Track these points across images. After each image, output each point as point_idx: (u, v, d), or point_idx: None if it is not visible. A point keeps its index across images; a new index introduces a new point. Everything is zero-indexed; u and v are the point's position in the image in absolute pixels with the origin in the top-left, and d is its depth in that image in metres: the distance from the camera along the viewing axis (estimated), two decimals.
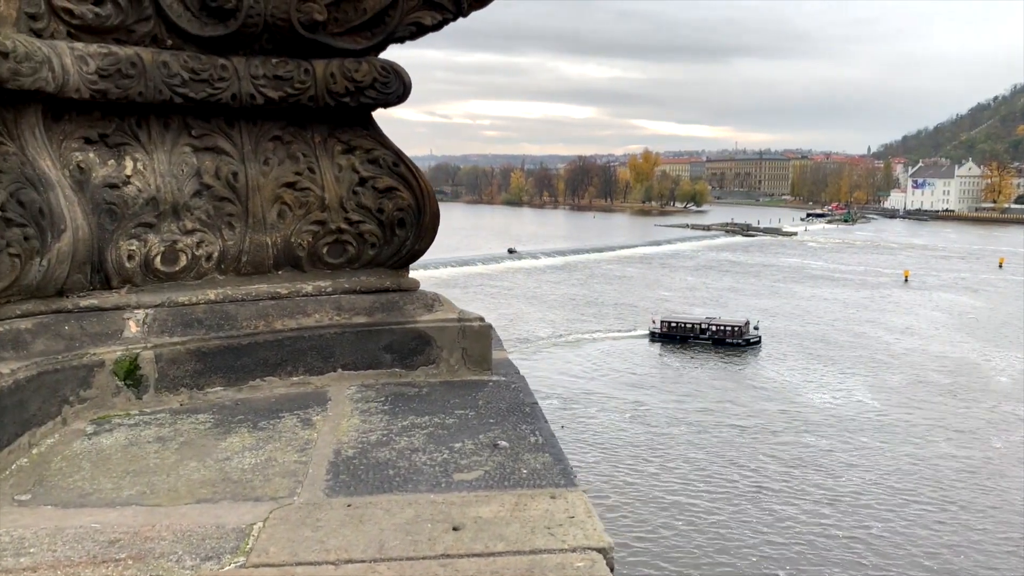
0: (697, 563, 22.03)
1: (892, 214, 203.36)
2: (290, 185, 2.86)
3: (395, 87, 2.86)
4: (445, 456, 2.08)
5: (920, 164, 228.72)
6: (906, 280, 79.62)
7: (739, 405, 37.00)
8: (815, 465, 29.41)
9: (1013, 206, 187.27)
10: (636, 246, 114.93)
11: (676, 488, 27.25)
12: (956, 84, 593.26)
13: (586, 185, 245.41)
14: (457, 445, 2.13)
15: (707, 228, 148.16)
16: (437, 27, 2.84)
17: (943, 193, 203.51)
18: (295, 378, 2.74)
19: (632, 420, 34.44)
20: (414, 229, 2.94)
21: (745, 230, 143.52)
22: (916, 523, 24.51)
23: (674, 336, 50.63)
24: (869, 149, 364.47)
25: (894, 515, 25.10)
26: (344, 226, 2.92)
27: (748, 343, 48.04)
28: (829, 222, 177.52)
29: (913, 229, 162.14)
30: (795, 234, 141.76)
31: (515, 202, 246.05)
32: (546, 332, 53.40)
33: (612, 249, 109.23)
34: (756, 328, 49.65)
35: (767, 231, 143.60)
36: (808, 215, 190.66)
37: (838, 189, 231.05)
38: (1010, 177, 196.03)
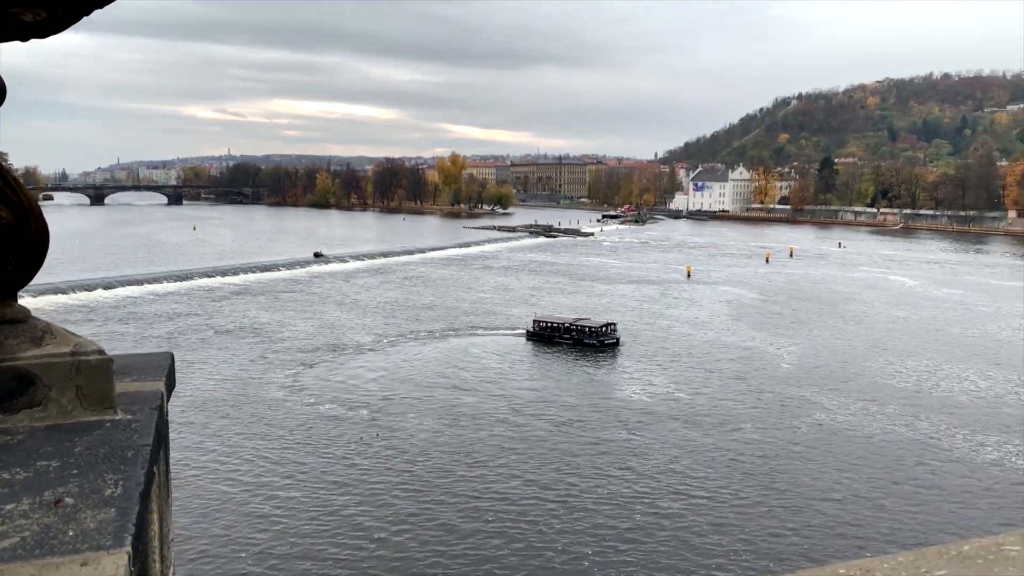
0: (505, 559, 22.89)
1: (677, 215, 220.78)
2: None
3: None
4: None
5: (700, 169, 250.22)
6: (689, 276, 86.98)
7: (557, 403, 38.65)
8: (630, 457, 31.33)
9: (777, 206, 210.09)
10: (447, 248, 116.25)
11: (483, 488, 28.04)
12: (730, 96, 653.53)
13: (395, 187, 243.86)
14: (9, 506, 1.80)
15: (513, 230, 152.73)
16: (44, 27, 2.32)
17: (719, 195, 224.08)
18: None
19: (451, 424, 34.98)
20: (16, 252, 2.50)
21: (548, 231, 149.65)
22: (728, 507, 26.92)
23: (543, 336, 52.05)
24: (656, 155, 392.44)
25: (709, 500, 27.37)
26: None
27: (603, 344, 50.13)
28: (622, 223, 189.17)
29: (695, 228, 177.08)
30: (592, 234, 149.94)
31: (321, 204, 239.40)
32: (364, 337, 52.77)
33: (423, 251, 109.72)
34: (614, 330, 51.92)
35: (567, 232, 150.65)
36: (603, 216, 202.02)
37: (630, 192, 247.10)
38: (774, 180, 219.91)
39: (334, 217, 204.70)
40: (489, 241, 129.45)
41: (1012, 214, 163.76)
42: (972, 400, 39.30)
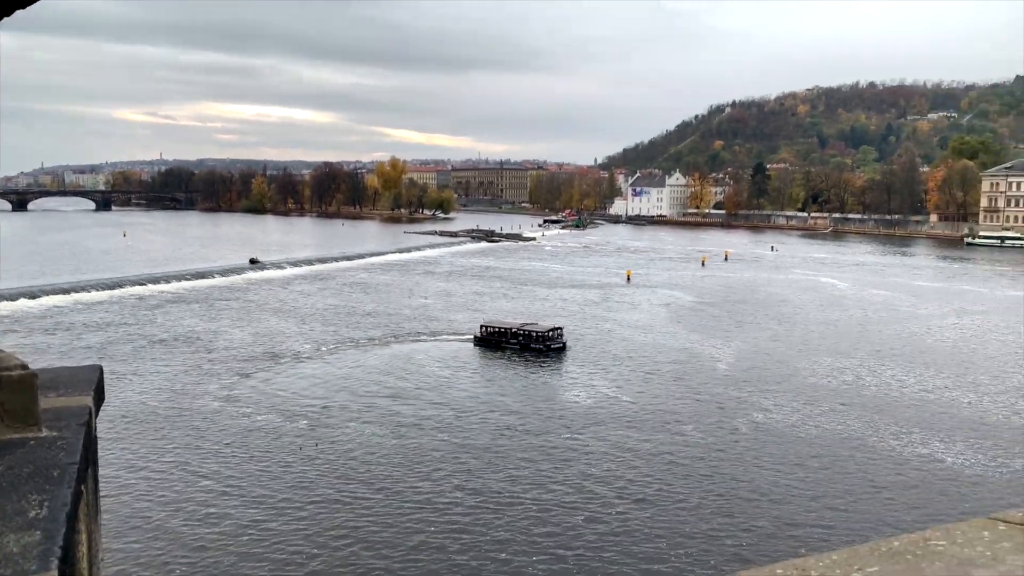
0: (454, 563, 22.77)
1: (617, 219, 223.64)
2: None
3: None
4: None
5: (638, 174, 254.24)
6: (629, 280, 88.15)
7: (502, 409, 38.60)
8: (573, 461, 31.46)
9: (712, 211, 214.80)
10: (387, 253, 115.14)
11: (426, 497, 27.82)
12: (666, 102, 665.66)
13: (333, 192, 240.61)
14: None
15: (455, 235, 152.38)
16: None
17: (657, 200, 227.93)
18: None
19: (393, 432, 34.58)
20: None
21: (490, 236, 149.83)
22: (670, 510, 27.24)
23: (490, 341, 51.69)
24: (596, 160, 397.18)
25: (651, 503, 27.66)
26: None
27: (550, 348, 50.02)
28: (564, 227, 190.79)
29: (634, 233, 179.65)
30: (534, 239, 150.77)
31: (257, 209, 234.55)
32: (303, 345, 51.82)
33: (363, 257, 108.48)
34: (561, 334, 51.80)
35: (509, 237, 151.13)
36: (545, 221, 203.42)
37: (570, 197, 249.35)
38: (709, 186, 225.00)
39: (270, 223, 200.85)
40: (430, 246, 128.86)
41: (933, 218, 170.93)
42: (900, 397, 40.77)
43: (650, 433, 34.29)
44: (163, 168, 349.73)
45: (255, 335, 54.92)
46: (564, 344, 50.91)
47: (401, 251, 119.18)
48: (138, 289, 73.96)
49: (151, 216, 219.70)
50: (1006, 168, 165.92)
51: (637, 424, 35.54)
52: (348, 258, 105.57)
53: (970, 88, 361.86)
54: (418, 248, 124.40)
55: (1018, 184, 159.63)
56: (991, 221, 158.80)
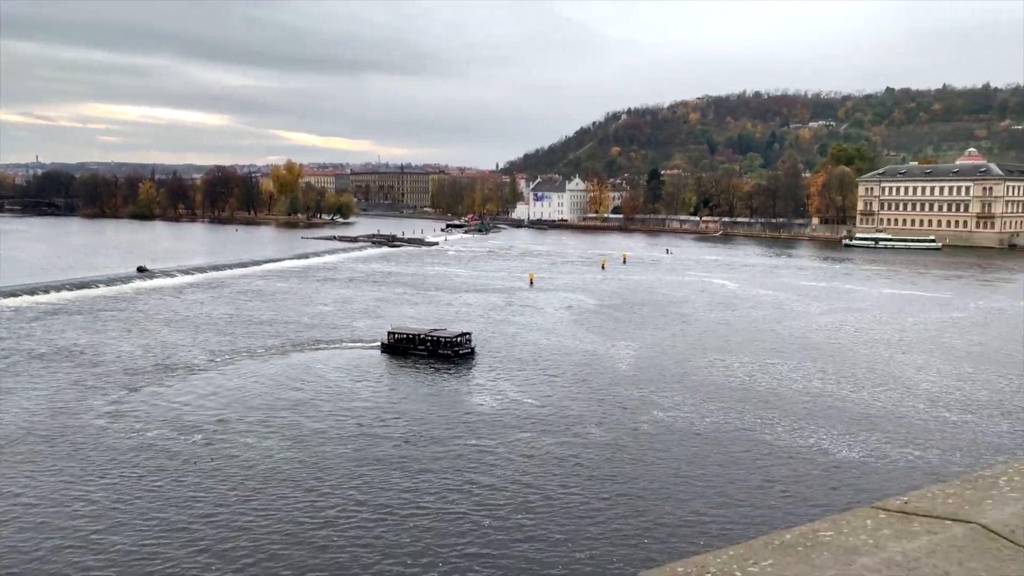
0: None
1: (519, 224, 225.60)
2: None
3: None
4: None
5: (539, 179, 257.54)
6: (532, 283, 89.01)
7: (407, 416, 38.07)
8: (479, 467, 31.32)
9: (611, 215, 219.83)
10: (284, 259, 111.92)
11: (328, 510, 27.18)
12: (565, 108, 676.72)
13: (226, 197, 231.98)
14: None
15: (355, 240, 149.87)
16: None
17: (558, 205, 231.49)
18: None
19: (295, 444, 33.53)
20: None
21: (391, 241, 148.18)
22: (575, 512, 27.47)
23: (398, 347, 50.65)
24: (497, 165, 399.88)
25: (556, 506, 27.82)
26: None
27: (458, 354, 49.50)
28: (466, 232, 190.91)
29: (537, 237, 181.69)
30: (437, 244, 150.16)
31: (145, 215, 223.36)
32: (196, 357, 49.60)
33: (259, 263, 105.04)
34: (469, 339, 51.31)
35: (412, 242, 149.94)
36: (448, 226, 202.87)
37: (473, 201, 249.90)
38: (607, 191, 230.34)
39: (160, 229, 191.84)
40: (330, 252, 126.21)
41: (815, 221, 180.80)
42: (789, 392, 42.75)
43: (556, 436, 34.62)
44: (40, 171, 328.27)
45: (144, 347, 52.24)
46: (472, 349, 50.79)
47: (299, 257, 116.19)
48: (13, 300, 69.01)
49: (26, 223, 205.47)
50: (879, 174, 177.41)
51: (543, 427, 35.82)
52: (243, 265, 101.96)
53: (847, 98, 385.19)
54: (317, 254, 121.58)
55: (890, 189, 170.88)
56: (866, 224, 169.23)
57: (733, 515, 26.64)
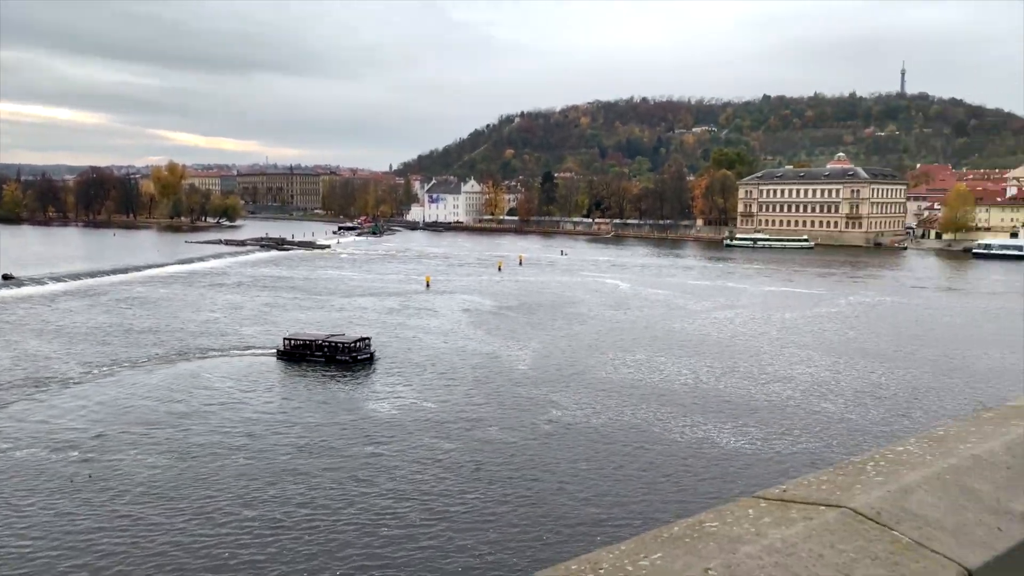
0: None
1: (414, 226, 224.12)
2: None
3: None
4: None
5: (434, 181, 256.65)
6: (428, 286, 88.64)
7: (302, 424, 37.07)
8: (377, 472, 30.88)
9: (506, 217, 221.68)
10: (168, 265, 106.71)
11: (218, 524, 26.23)
12: (459, 111, 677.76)
13: (103, 199, 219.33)
14: None
15: (242, 243, 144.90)
16: None
17: (453, 207, 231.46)
18: None
19: (181, 457, 32.05)
20: None
21: (281, 244, 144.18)
22: (475, 513, 27.47)
23: (295, 354, 49.12)
24: (391, 166, 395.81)
25: (456, 507, 27.77)
26: None
27: (356, 359, 48.44)
28: (359, 235, 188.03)
29: (432, 239, 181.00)
30: (329, 247, 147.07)
31: (11, 219, 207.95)
32: (71, 369, 46.58)
33: (140, 269, 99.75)
34: (368, 345, 50.26)
35: (302, 245, 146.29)
36: (340, 228, 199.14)
37: (366, 203, 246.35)
38: (502, 193, 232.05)
39: (28, 233, 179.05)
40: (216, 256, 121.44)
41: (700, 222, 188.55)
42: (680, 387, 44.39)
43: (455, 439, 34.62)
44: None
45: (13, 359, 48.69)
46: (372, 355, 50.04)
47: (183, 262, 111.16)
48: None
49: None
50: (758, 177, 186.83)
51: (442, 430, 35.74)
52: (122, 271, 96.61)
53: (727, 105, 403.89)
54: (202, 259, 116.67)
55: (768, 191, 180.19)
56: (746, 225, 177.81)
57: (628, 511, 27.41)
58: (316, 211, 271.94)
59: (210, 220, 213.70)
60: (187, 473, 30.02)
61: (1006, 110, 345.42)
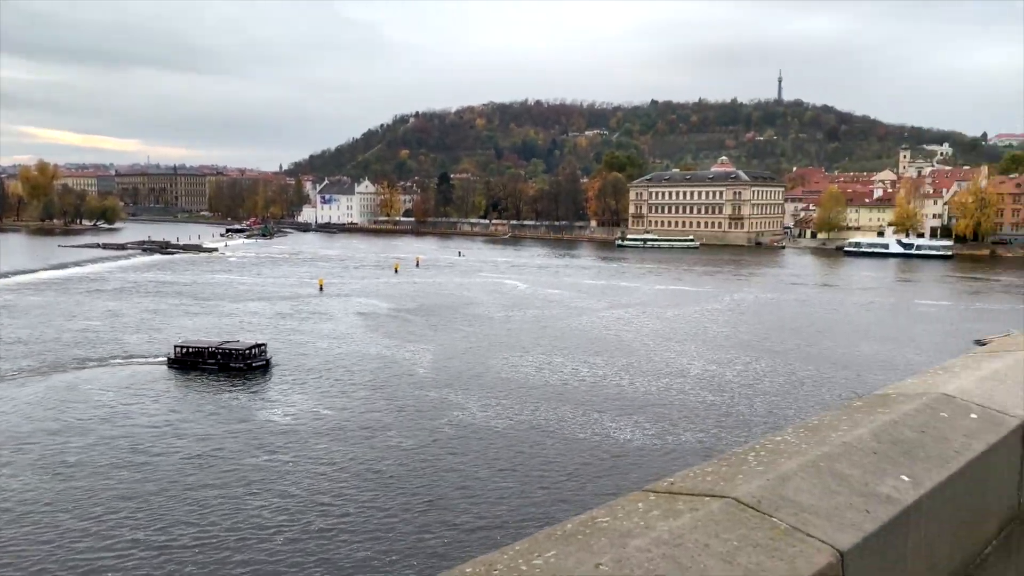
0: None
1: (306, 228, 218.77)
2: None
3: None
4: None
5: (327, 181, 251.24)
6: (321, 289, 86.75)
7: (191, 435, 35.49)
8: (272, 482, 29.97)
9: (403, 218, 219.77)
10: (39, 270, 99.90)
11: (99, 546, 24.89)
12: (352, 111, 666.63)
13: None
14: None
15: (122, 247, 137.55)
16: None
17: (347, 208, 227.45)
18: None
19: (57, 477, 30.07)
20: None
21: (164, 248, 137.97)
22: (374, 519, 27.05)
23: (187, 362, 46.94)
24: (281, 167, 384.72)
25: (355, 514, 27.24)
26: None
27: (251, 367, 46.70)
28: (249, 237, 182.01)
29: (326, 241, 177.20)
30: (216, 250, 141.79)
31: None
32: None
33: (6, 276, 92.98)
34: (264, 351, 48.54)
35: (188, 248, 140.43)
36: (228, 230, 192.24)
37: (255, 204, 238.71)
38: (398, 194, 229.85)
39: None
40: (93, 261, 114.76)
41: (593, 223, 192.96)
42: (578, 385, 45.25)
43: (353, 444, 34.06)
44: None
45: None
46: (267, 361, 48.54)
47: (56, 267, 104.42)
48: None
49: None
50: (647, 180, 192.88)
51: (340, 436, 35.09)
52: None
53: (617, 109, 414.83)
54: (78, 264, 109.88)
55: (656, 193, 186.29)
56: (637, 225, 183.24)
57: (528, 511, 27.72)
58: (202, 213, 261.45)
59: (86, 223, 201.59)
60: (64, 494, 28.21)
61: (872, 117, 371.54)
